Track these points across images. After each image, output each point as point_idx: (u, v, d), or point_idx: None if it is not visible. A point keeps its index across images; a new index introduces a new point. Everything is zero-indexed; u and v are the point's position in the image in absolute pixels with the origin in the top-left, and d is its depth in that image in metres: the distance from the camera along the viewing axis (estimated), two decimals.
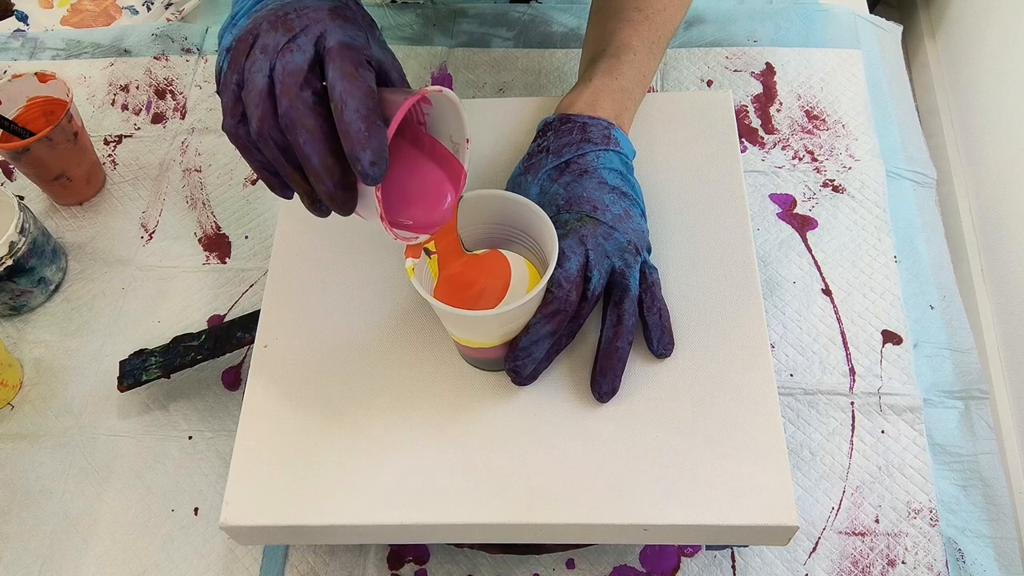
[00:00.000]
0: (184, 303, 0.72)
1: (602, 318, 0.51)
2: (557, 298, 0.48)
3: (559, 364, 0.51)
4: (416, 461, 0.48)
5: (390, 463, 0.49)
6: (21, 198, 0.72)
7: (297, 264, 0.57)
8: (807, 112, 0.79)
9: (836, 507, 0.61)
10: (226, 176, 0.79)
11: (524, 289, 0.48)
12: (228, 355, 0.64)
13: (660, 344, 0.50)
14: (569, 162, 0.53)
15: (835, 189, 0.74)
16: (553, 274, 0.47)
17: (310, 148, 0.41)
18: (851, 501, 0.61)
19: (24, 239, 0.68)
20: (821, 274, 0.70)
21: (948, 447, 0.63)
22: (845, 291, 0.69)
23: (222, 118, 0.44)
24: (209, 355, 0.64)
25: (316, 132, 0.41)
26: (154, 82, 0.86)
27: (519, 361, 0.49)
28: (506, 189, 0.54)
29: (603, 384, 0.49)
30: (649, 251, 0.53)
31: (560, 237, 0.49)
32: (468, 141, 0.45)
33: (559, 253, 0.47)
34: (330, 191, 0.42)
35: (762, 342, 0.51)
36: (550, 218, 0.47)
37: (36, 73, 0.74)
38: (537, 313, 0.48)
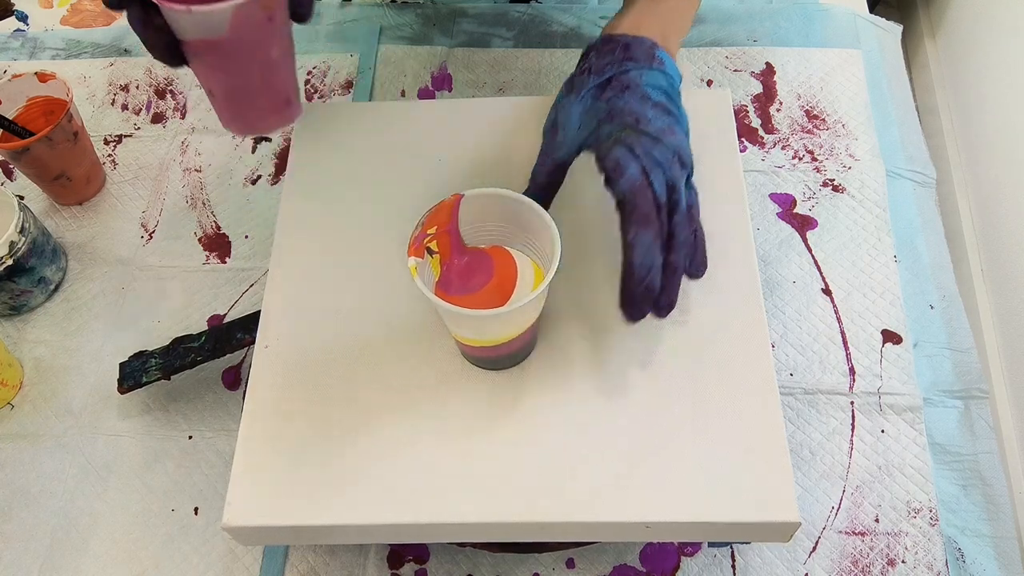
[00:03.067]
0: (184, 303, 0.72)
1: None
2: (638, 206, 0.44)
3: (561, 364, 0.51)
4: (416, 461, 0.48)
5: (391, 463, 0.49)
6: (21, 198, 0.72)
7: (297, 264, 0.57)
8: (807, 112, 0.79)
9: (836, 507, 0.61)
10: (226, 176, 0.79)
11: (530, 287, 0.48)
12: (228, 355, 0.64)
13: (694, 264, 0.49)
14: (611, 79, 0.51)
15: (835, 189, 0.74)
16: (619, 185, 0.45)
17: None
18: (851, 501, 0.61)
19: (24, 239, 0.68)
20: (821, 274, 0.70)
21: (948, 447, 0.63)
22: (845, 291, 0.69)
23: None
24: (209, 356, 0.63)
25: None
26: (154, 82, 0.86)
27: (637, 299, 0.44)
28: (550, 117, 0.53)
29: (662, 298, 0.46)
30: (692, 171, 0.49)
31: (607, 149, 0.47)
32: None
33: (613, 164, 0.45)
34: None
35: (763, 341, 0.51)
36: (590, 133, 0.45)
37: (36, 73, 0.74)
38: (631, 229, 0.44)
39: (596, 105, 0.51)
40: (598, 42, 0.54)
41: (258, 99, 0.52)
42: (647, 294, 0.45)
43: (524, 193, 0.49)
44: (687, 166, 0.49)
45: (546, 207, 0.49)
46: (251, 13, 0.46)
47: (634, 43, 0.53)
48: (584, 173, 0.59)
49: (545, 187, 0.52)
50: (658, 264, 0.45)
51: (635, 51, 0.52)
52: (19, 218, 0.67)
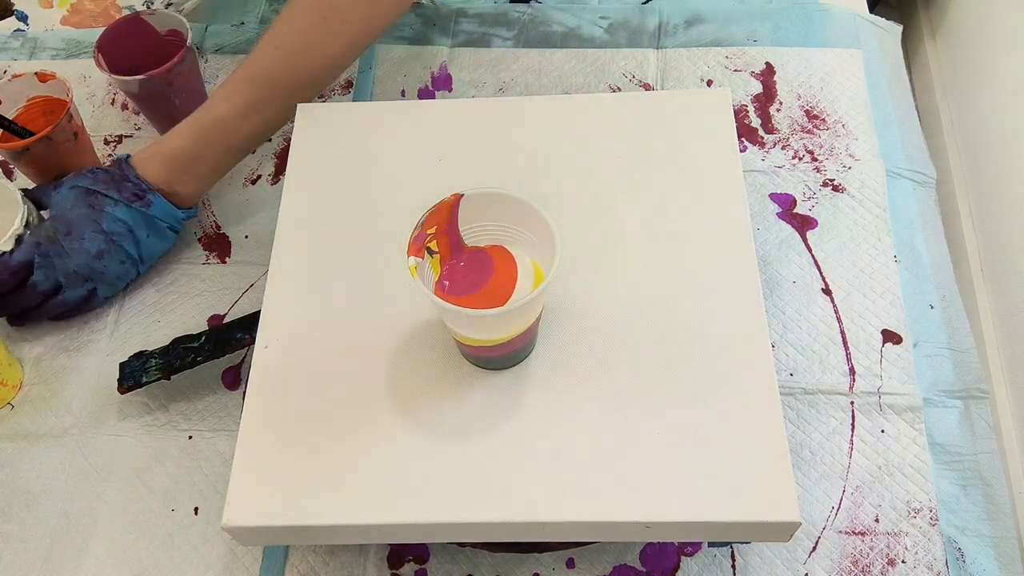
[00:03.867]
0: (184, 303, 0.72)
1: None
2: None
3: (562, 363, 0.51)
4: (416, 461, 0.48)
5: (391, 463, 0.49)
6: (25, 191, 0.72)
7: (297, 264, 0.57)
8: (807, 112, 0.79)
9: (836, 506, 0.61)
10: (226, 176, 0.79)
11: (530, 287, 0.48)
12: (228, 355, 0.64)
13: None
14: (91, 192, 0.67)
15: (835, 189, 0.74)
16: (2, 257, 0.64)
17: None
18: (851, 500, 0.61)
19: (29, 233, 0.68)
20: (821, 274, 0.70)
21: (948, 447, 0.63)
22: (845, 291, 0.69)
23: None
24: (209, 356, 0.63)
25: None
26: None
27: None
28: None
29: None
30: (90, 282, 0.68)
31: (27, 233, 0.66)
32: None
33: (13, 244, 0.64)
34: None
35: (763, 341, 0.51)
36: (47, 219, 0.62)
37: (36, 73, 0.74)
38: None
39: (67, 201, 0.68)
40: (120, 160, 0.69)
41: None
42: None
43: None
44: (88, 281, 0.68)
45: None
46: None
47: (131, 181, 0.68)
48: (581, 174, 0.59)
49: None
50: None
51: (126, 187, 0.67)
52: (24, 212, 0.67)
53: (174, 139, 0.68)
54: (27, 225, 0.68)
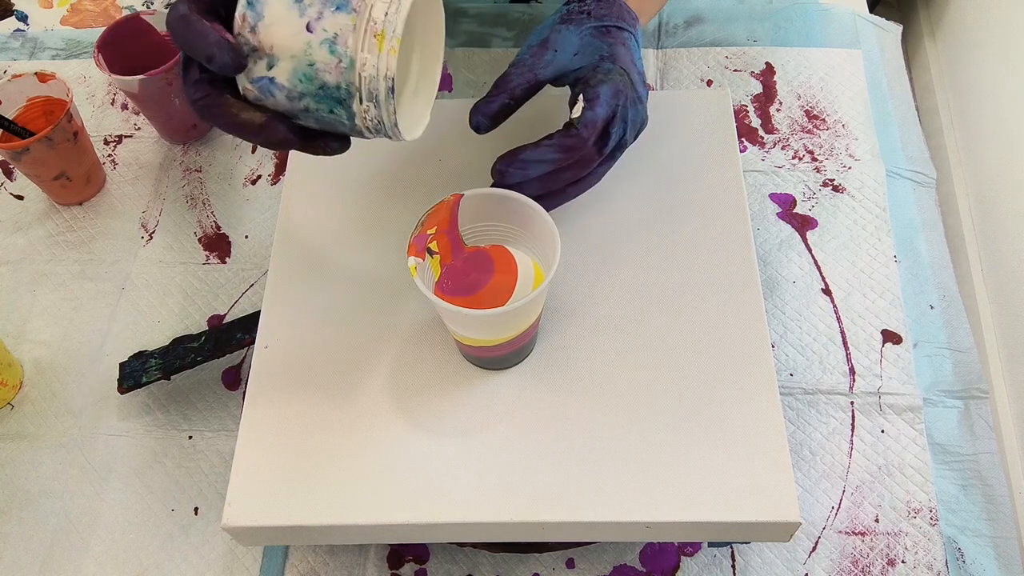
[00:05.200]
0: (184, 303, 0.72)
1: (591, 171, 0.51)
2: (580, 136, 0.48)
3: (561, 363, 0.51)
4: (416, 461, 0.49)
5: (390, 463, 0.49)
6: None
7: (297, 264, 0.57)
8: (807, 112, 0.79)
9: (836, 507, 0.61)
10: (226, 176, 0.79)
11: (530, 287, 0.48)
12: (228, 355, 0.64)
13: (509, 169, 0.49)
14: (610, 29, 0.53)
15: (835, 189, 0.74)
16: (584, 115, 0.48)
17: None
18: (851, 501, 0.61)
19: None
20: (821, 274, 0.70)
21: (948, 447, 0.63)
22: (845, 291, 0.69)
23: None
24: (209, 356, 0.64)
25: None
26: None
27: (512, 168, 0.48)
28: (533, 38, 0.54)
29: (510, 172, 0.49)
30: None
31: (599, 81, 0.49)
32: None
33: (594, 96, 0.48)
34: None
35: (763, 341, 0.51)
36: (591, 63, 0.48)
37: (36, 73, 0.74)
38: (553, 137, 0.48)
39: (597, 43, 0.52)
40: None
41: None
42: (507, 173, 0.49)
43: (490, 99, 0.51)
44: (638, 135, 0.53)
45: (503, 120, 0.52)
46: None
47: (626, 9, 0.55)
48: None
49: (520, 99, 0.53)
50: (532, 173, 0.49)
51: (627, 16, 0.54)
52: None
53: None
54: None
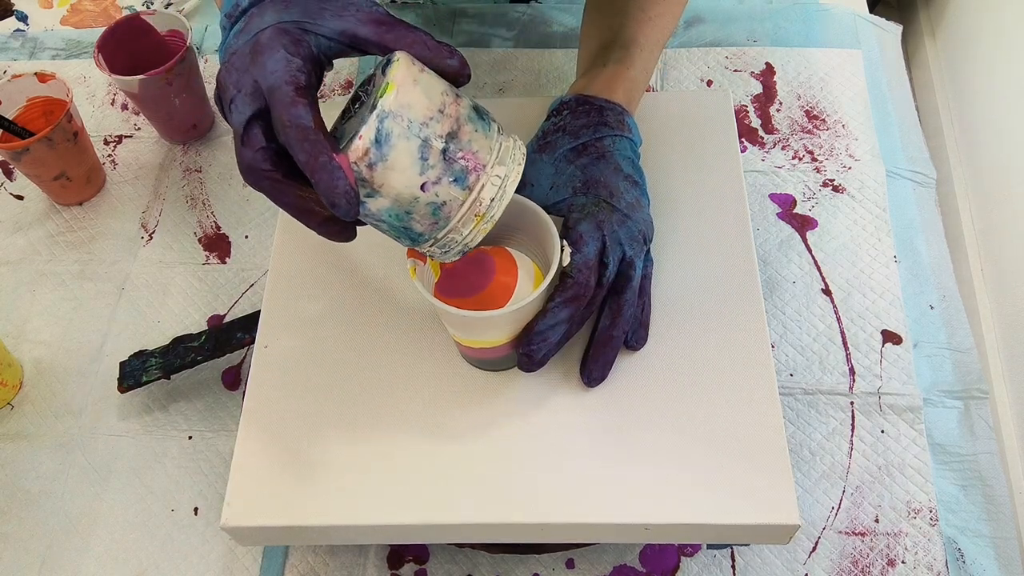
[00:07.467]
0: (184, 303, 0.72)
1: (599, 304, 0.51)
2: (577, 283, 0.48)
3: (560, 363, 0.51)
4: (416, 461, 0.48)
5: (390, 463, 0.49)
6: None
7: (297, 264, 0.57)
8: (807, 112, 0.79)
9: (836, 507, 0.61)
10: (226, 176, 0.79)
11: (530, 287, 0.48)
12: (228, 355, 0.64)
13: (634, 337, 0.51)
14: (586, 144, 0.53)
15: (835, 189, 0.74)
16: (572, 259, 0.48)
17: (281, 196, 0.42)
18: (851, 501, 0.61)
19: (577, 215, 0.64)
20: (821, 274, 0.70)
21: (948, 447, 0.63)
22: (845, 291, 0.69)
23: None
24: (209, 356, 0.64)
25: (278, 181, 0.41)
26: None
27: (534, 346, 0.48)
28: None
29: (594, 371, 0.50)
30: (650, 241, 0.53)
31: (576, 220, 0.49)
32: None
33: (576, 237, 0.48)
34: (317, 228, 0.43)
35: (763, 341, 0.51)
36: (565, 199, 0.47)
37: (36, 73, 0.74)
38: (556, 297, 0.48)
39: (570, 170, 0.52)
40: (572, 100, 0.55)
41: None
42: (533, 353, 0.48)
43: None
44: (648, 241, 0.52)
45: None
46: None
47: (608, 108, 0.54)
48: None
49: None
50: (555, 339, 0.49)
51: (608, 116, 0.54)
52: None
53: (623, 67, 0.57)
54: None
